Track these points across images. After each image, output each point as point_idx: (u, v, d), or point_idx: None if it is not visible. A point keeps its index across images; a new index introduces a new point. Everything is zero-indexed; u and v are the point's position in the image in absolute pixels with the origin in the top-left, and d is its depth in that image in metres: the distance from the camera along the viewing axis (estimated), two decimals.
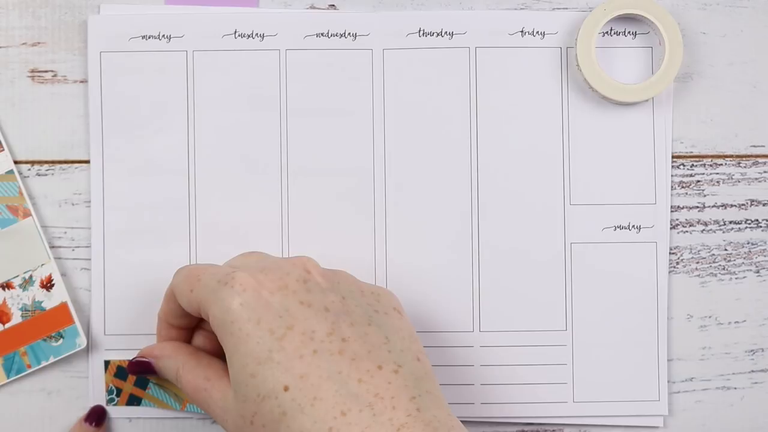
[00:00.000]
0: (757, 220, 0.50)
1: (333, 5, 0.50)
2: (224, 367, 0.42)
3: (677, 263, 0.50)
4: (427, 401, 0.38)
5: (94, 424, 0.48)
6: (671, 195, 0.50)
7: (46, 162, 0.50)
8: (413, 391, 0.38)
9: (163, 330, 0.46)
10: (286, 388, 0.38)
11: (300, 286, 0.40)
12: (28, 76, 0.50)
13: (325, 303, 0.40)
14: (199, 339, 0.46)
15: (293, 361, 0.38)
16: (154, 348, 0.46)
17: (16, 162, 0.50)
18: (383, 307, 0.41)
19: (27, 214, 0.49)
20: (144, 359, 0.46)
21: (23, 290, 0.49)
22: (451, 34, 0.50)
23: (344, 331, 0.39)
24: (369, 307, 0.41)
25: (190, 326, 0.46)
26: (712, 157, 0.50)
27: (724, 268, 0.50)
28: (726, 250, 0.50)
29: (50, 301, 0.49)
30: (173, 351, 0.45)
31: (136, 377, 0.49)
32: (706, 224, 0.50)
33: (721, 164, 0.50)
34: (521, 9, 0.50)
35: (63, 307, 0.49)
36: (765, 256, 0.50)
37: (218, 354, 0.45)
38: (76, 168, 0.50)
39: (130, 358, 0.47)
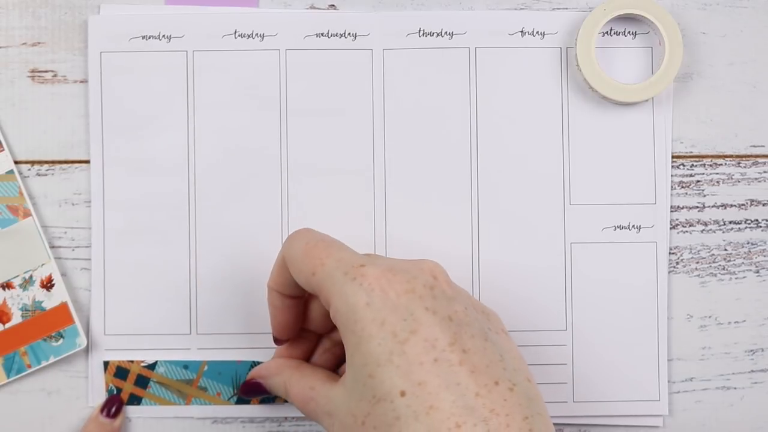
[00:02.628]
0: (757, 220, 0.50)
1: (333, 5, 0.50)
2: (328, 374, 0.43)
3: (677, 263, 0.50)
4: (538, 423, 0.37)
5: (112, 413, 0.48)
6: (671, 195, 0.50)
7: (46, 162, 0.50)
8: (526, 411, 0.37)
9: (275, 300, 0.45)
10: (402, 393, 0.37)
11: (427, 291, 0.39)
12: (28, 76, 0.50)
13: (449, 312, 0.39)
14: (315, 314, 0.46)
15: (413, 366, 0.37)
16: (261, 369, 0.46)
17: (16, 162, 0.50)
18: (494, 326, 0.41)
19: (27, 214, 0.49)
20: (254, 381, 0.46)
21: (23, 290, 0.49)
22: (451, 34, 0.50)
23: (465, 342, 0.38)
24: (483, 324, 0.40)
25: (303, 296, 0.45)
26: (712, 157, 0.50)
27: (724, 268, 0.50)
28: (726, 250, 0.50)
29: (50, 301, 0.49)
30: (278, 368, 0.45)
31: (137, 377, 0.49)
32: (706, 224, 0.50)
33: (721, 164, 0.50)
34: (521, 9, 0.50)
35: (63, 307, 0.49)
36: (765, 256, 0.50)
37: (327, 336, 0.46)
38: (76, 168, 0.50)
39: (243, 382, 0.47)
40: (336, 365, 0.46)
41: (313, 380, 0.43)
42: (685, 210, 0.50)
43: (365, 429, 0.38)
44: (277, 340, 0.46)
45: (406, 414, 0.37)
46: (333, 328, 0.46)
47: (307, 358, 0.47)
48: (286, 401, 0.49)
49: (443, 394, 0.37)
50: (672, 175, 0.50)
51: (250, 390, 0.47)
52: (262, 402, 0.49)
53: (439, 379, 0.37)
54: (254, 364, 0.49)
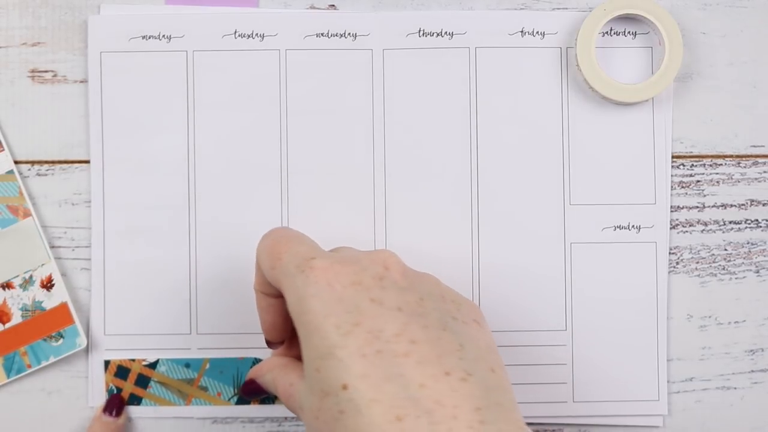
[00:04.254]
0: (757, 220, 0.50)
1: (333, 5, 0.50)
2: None
3: (677, 263, 0.50)
4: (494, 413, 0.35)
5: (114, 413, 0.48)
6: (671, 195, 0.50)
7: (46, 162, 0.50)
8: (480, 401, 0.35)
9: (260, 301, 0.44)
10: (345, 387, 0.36)
11: (375, 282, 0.39)
12: (28, 76, 0.50)
13: (399, 302, 0.38)
14: None
15: (355, 359, 0.36)
16: (256, 368, 0.46)
17: (16, 162, 0.50)
18: (463, 316, 0.39)
19: (27, 214, 0.49)
20: (251, 380, 0.46)
21: (23, 290, 0.49)
22: (451, 34, 0.50)
23: (415, 333, 0.37)
24: (447, 313, 0.39)
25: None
26: (712, 157, 0.50)
27: (724, 268, 0.50)
28: (726, 250, 0.50)
29: (50, 301, 0.49)
30: (269, 366, 0.45)
31: (137, 377, 0.49)
32: (706, 224, 0.50)
33: (721, 164, 0.50)
34: (521, 9, 0.50)
35: (63, 307, 0.49)
36: (765, 256, 0.50)
37: None
38: (76, 168, 0.50)
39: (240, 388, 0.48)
40: None
41: (294, 376, 0.42)
42: (685, 210, 0.50)
43: (318, 424, 0.37)
44: (270, 344, 0.46)
45: (349, 407, 0.36)
46: None
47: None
48: None
49: (385, 386, 0.35)
50: (672, 175, 0.50)
51: (249, 390, 0.47)
52: (262, 402, 0.50)
53: (381, 371, 0.36)
54: (256, 360, 0.49)
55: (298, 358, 0.46)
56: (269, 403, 0.50)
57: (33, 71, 0.50)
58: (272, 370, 0.44)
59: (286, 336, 0.45)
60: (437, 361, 0.36)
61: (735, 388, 0.50)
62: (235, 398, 0.50)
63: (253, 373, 0.46)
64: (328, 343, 0.37)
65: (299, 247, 0.41)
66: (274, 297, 0.44)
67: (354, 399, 0.36)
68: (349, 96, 0.50)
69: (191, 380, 0.49)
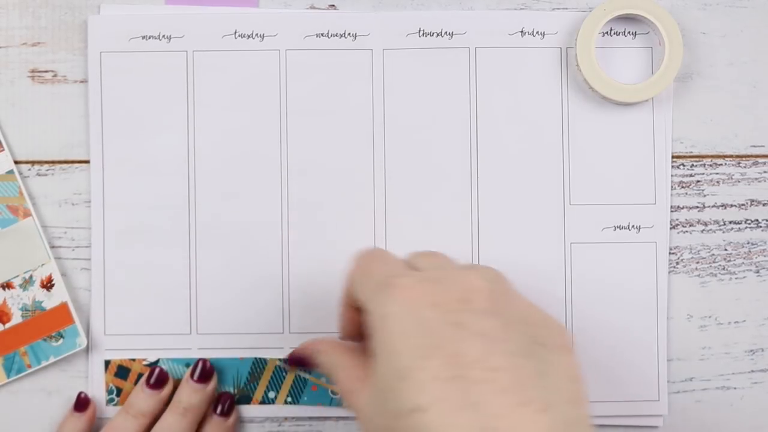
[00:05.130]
0: (757, 220, 0.50)
1: (333, 5, 0.50)
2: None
3: (677, 263, 0.50)
4: None
5: (82, 410, 0.49)
6: (671, 195, 0.50)
7: (46, 162, 0.50)
8: None
9: (345, 311, 0.44)
10: (420, 410, 0.35)
11: (458, 305, 0.37)
12: (28, 76, 0.50)
13: (482, 327, 0.37)
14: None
15: (432, 382, 0.35)
16: (317, 342, 0.44)
17: (16, 162, 0.50)
18: (550, 341, 0.38)
19: (27, 214, 0.49)
20: (305, 353, 0.45)
21: (23, 290, 0.49)
22: (451, 34, 0.50)
23: (496, 359, 0.36)
24: (532, 339, 0.37)
25: None
26: (712, 157, 0.50)
27: (724, 268, 0.50)
28: (726, 250, 0.50)
29: (50, 301, 0.49)
30: (331, 348, 0.43)
31: (138, 376, 0.49)
32: (706, 224, 0.50)
33: (721, 164, 0.50)
34: (521, 9, 0.50)
35: (63, 307, 0.49)
36: (765, 256, 0.50)
37: None
38: (76, 168, 0.50)
39: (289, 353, 0.46)
40: None
41: (363, 373, 0.41)
42: (685, 210, 0.50)
43: None
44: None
45: (422, 431, 0.35)
46: None
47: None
48: (286, 402, 0.49)
49: (461, 413, 0.35)
50: (672, 175, 0.50)
51: (298, 361, 0.46)
52: (262, 402, 0.50)
53: (458, 397, 0.35)
54: (256, 360, 0.49)
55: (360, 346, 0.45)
56: (269, 403, 0.50)
57: (33, 71, 0.50)
58: (332, 353, 0.43)
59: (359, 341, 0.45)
60: (517, 390, 0.35)
61: (735, 388, 0.50)
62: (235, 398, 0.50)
63: (311, 346, 0.45)
64: (405, 364, 0.36)
65: (387, 265, 0.41)
66: (357, 311, 0.43)
67: (428, 423, 0.35)
68: (349, 96, 0.50)
69: None
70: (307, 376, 0.49)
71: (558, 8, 0.50)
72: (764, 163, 0.50)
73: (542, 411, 0.35)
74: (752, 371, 0.50)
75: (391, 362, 0.37)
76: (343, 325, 0.44)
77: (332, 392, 0.49)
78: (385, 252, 0.43)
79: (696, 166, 0.50)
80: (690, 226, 0.50)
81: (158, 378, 0.48)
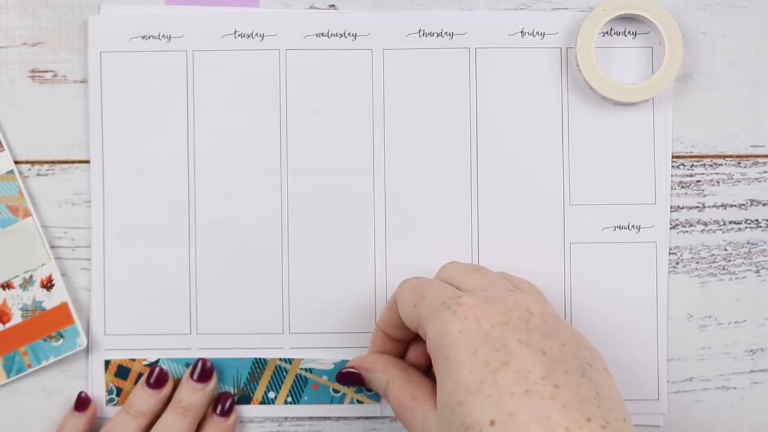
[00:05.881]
0: (757, 220, 0.50)
1: (333, 5, 0.50)
2: (432, 389, 0.42)
3: (677, 263, 0.50)
4: None
5: (82, 410, 0.48)
6: (671, 195, 0.50)
7: (46, 162, 0.50)
8: None
9: (378, 340, 0.46)
10: (492, 423, 0.37)
11: (521, 324, 0.40)
12: (28, 76, 0.50)
13: (543, 346, 0.39)
14: (412, 353, 0.47)
15: (504, 396, 0.37)
16: (366, 360, 0.46)
17: (16, 162, 0.50)
18: (596, 363, 0.40)
19: (27, 214, 0.49)
20: (354, 370, 0.46)
21: (23, 290, 0.49)
22: (451, 35, 0.50)
23: (558, 377, 0.38)
24: (584, 360, 0.40)
25: (407, 340, 0.46)
26: (712, 157, 0.50)
27: (724, 268, 0.50)
28: (726, 250, 0.50)
29: (50, 301, 0.49)
30: (384, 365, 0.45)
31: (138, 376, 0.49)
32: (706, 224, 0.50)
33: (721, 164, 0.50)
34: (521, 9, 0.50)
35: (63, 307, 0.49)
36: (765, 256, 0.50)
37: (427, 372, 0.46)
38: (76, 168, 0.50)
39: (342, 369, 0.47)
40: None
41: (418, 391, 0.43)
42: (685, 210, 0.50)
43: None
44: None
45: None
46: (428, 367, 0.46)
47: (402, 355, 0.47)
48: (286, 402, 0.49)
49: (533, 426, 0.36)
50: (672, 175, 0.50)
51: (348, 379, 0.47)
52: (262, 402, 0.50)
53: (530, 411, 0.37)
54: (256, 360, 0.49)
55: (399, 355, 0.47)
56: (269, 403, 0.50)
57: (33, 71, 0.50)
58: (386, 371, 0.45)
59: None
60: (579, 407, 0.37)
61: (735, 388, 0.50)
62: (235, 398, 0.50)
63: (359, 364, 0.46)
64: (476, 377, 0.38)
65: (443, 288, 0.42)
66: (394, 341, 0.46)
67: None
68: (349, 96, 0.50)
69: None
70: (344, 391, 0.49)
71: (558, 8, 0.50)
72: (764, 163, 0.50)
73: (603, 427, 0.37)
74: (752, 371, 0.50)
75: (462, 375, 0.38)
76: (376, 348, 0.46)
77: (334, 391, 0.50)
78: (428, 278, 0.45)
79: (696, 166, 0.50)
80: (690, 226, 0.50)
81: (158, 378, 0.48)
